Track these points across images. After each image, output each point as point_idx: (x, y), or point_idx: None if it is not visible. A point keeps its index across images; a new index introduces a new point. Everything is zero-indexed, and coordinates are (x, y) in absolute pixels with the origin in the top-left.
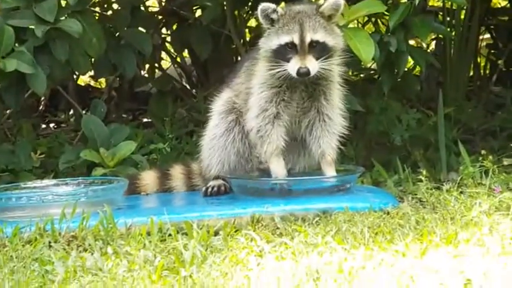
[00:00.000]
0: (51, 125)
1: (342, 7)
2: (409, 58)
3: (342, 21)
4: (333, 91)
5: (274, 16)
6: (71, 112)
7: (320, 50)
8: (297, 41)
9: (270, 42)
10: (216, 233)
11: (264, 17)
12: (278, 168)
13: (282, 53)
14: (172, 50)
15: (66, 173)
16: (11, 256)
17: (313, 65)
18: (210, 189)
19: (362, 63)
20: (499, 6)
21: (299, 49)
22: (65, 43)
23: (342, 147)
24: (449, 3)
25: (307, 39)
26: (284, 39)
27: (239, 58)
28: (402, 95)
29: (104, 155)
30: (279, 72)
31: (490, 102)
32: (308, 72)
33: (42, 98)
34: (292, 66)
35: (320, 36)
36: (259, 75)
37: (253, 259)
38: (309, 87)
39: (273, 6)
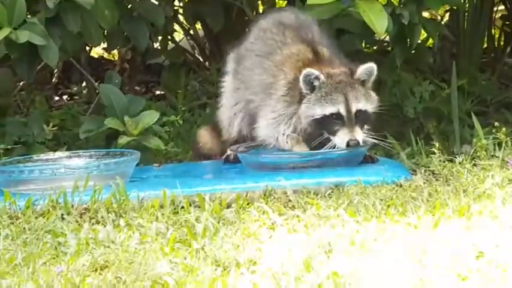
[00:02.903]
0: (64, 97)
1: (375, 72)
2: (422, 30)
3: None
4: None
5: (316, 83)
6: (84, 84)
7: (363, 118)
8: (343, 112)
9: (311, 110)
10: (229, 206)
11: (306, 82)
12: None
13: (325, 123)
14: (185, 22)
15: (83, 145)
16: (24, 228)
17: (361, 136)
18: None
19: (375, 36)
20: None
21: (346, 120)
22: (77, 15)
23: None
24: None
25: (353, 110)
26: (329, 109)
27: None
28: (415, 67)
29: (129, 123)
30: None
31: (504, 74)
32: (358, 143)
33: (55, 70)
34: (341, 139)
35: (362, 105)
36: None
37: (265, 232)
38: None
39: (316, 73)
